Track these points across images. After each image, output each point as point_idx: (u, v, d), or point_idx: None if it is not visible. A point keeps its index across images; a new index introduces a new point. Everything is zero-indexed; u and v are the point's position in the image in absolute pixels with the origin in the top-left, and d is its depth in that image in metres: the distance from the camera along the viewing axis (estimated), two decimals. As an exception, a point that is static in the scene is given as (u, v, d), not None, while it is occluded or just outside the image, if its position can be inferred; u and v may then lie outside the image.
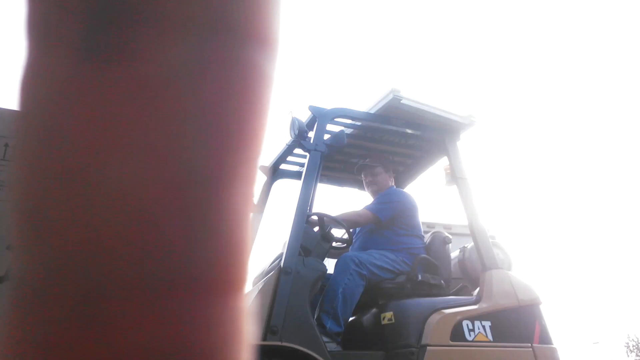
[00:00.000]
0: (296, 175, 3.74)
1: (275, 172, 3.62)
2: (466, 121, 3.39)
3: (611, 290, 33.28)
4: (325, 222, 2.95)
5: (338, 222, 2.98)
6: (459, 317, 2.71)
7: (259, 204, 3.47)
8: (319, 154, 2.90)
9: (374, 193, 3.39)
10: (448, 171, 3.35)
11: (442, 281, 3.00)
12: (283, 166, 3.67)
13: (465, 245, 3.38)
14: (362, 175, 3.42)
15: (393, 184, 3.47)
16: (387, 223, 3.10)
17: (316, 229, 2.89)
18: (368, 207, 3.16)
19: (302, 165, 3.71)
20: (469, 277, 3.24)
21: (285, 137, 3.15)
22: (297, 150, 3.50)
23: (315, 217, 2.95)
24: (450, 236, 3.37)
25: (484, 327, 2.76)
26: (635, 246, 39.29)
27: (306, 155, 3.56)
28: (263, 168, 3.58)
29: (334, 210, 3.63)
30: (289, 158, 3.61)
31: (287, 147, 3.42)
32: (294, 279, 2.46)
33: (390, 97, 3.10)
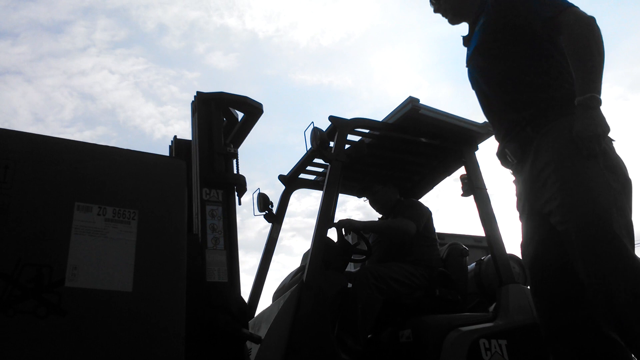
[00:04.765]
0: (314, 184, 3.76)
1: (293, 182, 3.63)
2: (484, 130, 3.38)
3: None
4: (361, 232, 2.96)
5: (379, 232, 2.99)
6: (475, 336, 2.71)
7: (278, 213, 3.49)
8: (340, 164, 2.91)
9: (381, 210, 3.42)
10: (465, 181, 3.35)
11: (459, 296, 3.01)
12: (301, 175, 3.68)
13: (482, 259, 3.39)
14: (364, 199, 3.47)
15: (397, 195, 3.48)
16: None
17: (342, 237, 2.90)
18: (405, 216, 3.16)
19: (319, 174, 3.72)
20: (485, 291, 3.24)
21: (305, 147, 3.16)
22: (314, 160, 3.51)
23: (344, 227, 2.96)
24: (467, 248, 3.39)
25: (500, 346, 2.77)
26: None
27: (323, 165, 3.59)
28: (282, 178, 3.59)
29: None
30: (306, 167, 3.62)
31: (306, 157, 3.43)
32: (315, 295, 2.48)
33: (409, 107, 3.10)
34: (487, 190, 3.29)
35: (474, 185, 3.26)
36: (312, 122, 2.93)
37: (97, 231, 2.12)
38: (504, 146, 2.21)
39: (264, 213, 3.44)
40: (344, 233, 2.90)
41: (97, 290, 2.06)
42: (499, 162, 2.31)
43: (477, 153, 3.44)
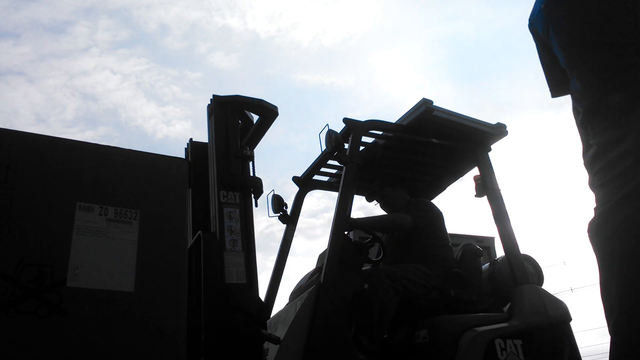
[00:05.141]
0: (327, 185, 3.78)
1: (307, 183, 3.66)
2: (496, 131, 3.39)
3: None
4: (362, 229, 2.98)
5: (375, 226, 3.02)
6: (491, 336, 2.73)
7: (292, 214, 3.51)
8: (355, 166, 2.94)
9: (391, 212, 3.45)
10: (478, 182, 3.36)
11: (473, 297, 3.03)
12: (314, 176, 3.71)
13: (496, 259, 3.40)
14: (375, 203, 3.49)
15: (407, 195, 3.50)
16: (420, 233, 3.13)
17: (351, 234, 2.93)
18: (405, 212, 3.19)
19: (332, 175, 3.75)
20: (499, 291, 3.26)
21: (319, 149, 3.19)
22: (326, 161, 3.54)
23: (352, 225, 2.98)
24: (481, 249, 3.40)
25: (515, 346, 2.79)
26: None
27: (335, 166, 3.62)
28: (296, 179, 3.62)
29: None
30: (320, 169, 3.65)
31: (320, 159, 3.45)
32: (333, 296, 2.50)
33: (423, 108, 3.12)
34: (501, 191, 3.31)
35: (487, 186, 3.27)
36: (327, 125, 2.96)
37: (98, 231, 2.12)
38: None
39: (279, 214, 3.47)
40: (345, 232, 2.92)
41: (99, 291, 2.06)
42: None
43: (490, 154, 3.46)
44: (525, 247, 3.47)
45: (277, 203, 3.45)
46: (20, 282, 1.95)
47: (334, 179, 3.77)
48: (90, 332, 2.01)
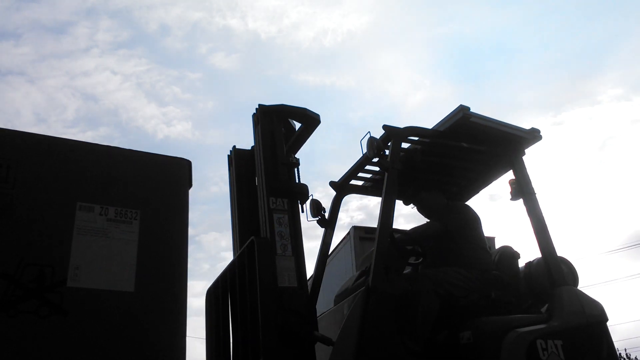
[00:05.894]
0: (362, 189, 3.88)
1: (344, 188, 3.75)
2: (531, 136, 3.46)
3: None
4: (399, 240, 3.08)
5: (410, 239, 3.11)
6: (533, 336, 2.81)
7: (330, 219, 3.61)
8: (396, 172, 3.03)
9: (429, 216, 3.55)
10: (514, 186, 3.43)
11: (512, 298, 3.11)
12: (351, 181, 3.80)
13: (531, 261, 3.47)
14: (412, 206, 3.60)
15: (444, 199, 3.57)
16: (455, 236, 3.21)
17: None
18: (434, 219, 3.29)
19: (367, 179, 3.84)
20: (536, 292, 3.33)
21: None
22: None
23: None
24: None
25: (556, 346, 2.86)
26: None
27: (371, 171, 3.71)
28: (333, 184, 3.72)
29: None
30: (357, 174, 3.74)
31: (359, 164, 3.55)
32: (381, 298, 2.60)
33: (460, 115, 3.20)
34: (536, 195, 3.38)
35: (523, 190, 3.34)
36: (369, 132, 3.05)
37: (99, 231, 2.13)
38: None
39: (317, 218, 3.56)
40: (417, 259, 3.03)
41: (99, 290, 2.07)
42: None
43: (524, 158, 3.53)
44: (525, 246, 3.55)
45: (316, 208, 3.55)
46: (21, 282, 1.96)
47: (369, 183, 3.86)
48: (91, 332, 2.01)
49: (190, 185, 2.45)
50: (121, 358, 2.05)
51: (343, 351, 2.55)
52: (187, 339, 2.29)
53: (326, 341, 2.57)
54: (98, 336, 2.04)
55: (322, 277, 3.50)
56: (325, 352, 2.66)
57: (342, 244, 6.54)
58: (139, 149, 2.39)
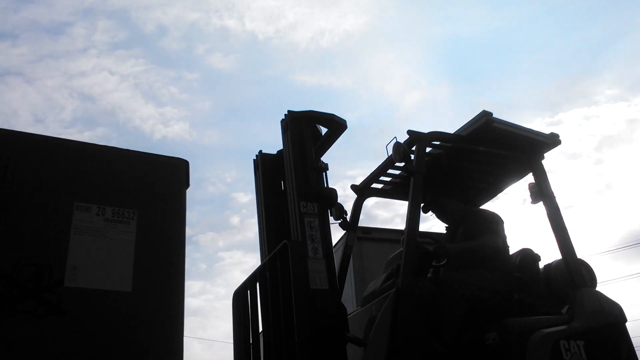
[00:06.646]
0: (383, 192, 3.95)
1: (365, 191, 3.83)
2: (550, 141, 3.54)
3: None
4: (457, 258, 3.12)
5: (468, 255, 3.17)
6: (556, 337, 2.88)
7: (352, 221, 3.68)
8: (422, 176, 3.10)
9: (448, 222, 3.61)
10: (533, 190, 3.51)
11: (534, 300, 3.18)
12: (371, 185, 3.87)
13: (550, 263, 3.54)
14: (430, 214, 3.65)
15: (462, 204, 3.64)
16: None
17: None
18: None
19: (387, 183, 3.91)
20: (555, 295, 3.40)
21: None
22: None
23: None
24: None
25: (578, 346, 2.94)
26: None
27: (392, 175, 3.78)
28: (354, 187, 3.79)
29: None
30: (379, 177, 3.81)
31: (381, 168, 3.62)
32: (411, 299, 2.68)
33: (483, 120, 3.27)
34: (556, 198, 3.45)
35: (543, 193, 3.41)
36: (395, 137, 3.12)
37: (96, 231, 2.12)
38: None
39: (340, 221, 3.63)
40: (439, 261, 3.07)
41: (97, 290, 2.05)
42: None
43: (543, 162, 3.60)
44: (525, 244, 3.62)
45: (338, 211, 3.62)
46: (19, 282, 1.95)
47: (389, 187, 3.93)
48: (89, 332, 2.00)
49: (187, 185, 2.47)
50: (119, 358, 2.06)
51: (375, 351, 2.62)
52: (185, 339, 2.31)
53: (358, 342, 2.64)
54: (96, 336, 2.04)
55: (344, 279, 3.57)
56: (355, 351, 2.73)
57: (339, 243, 6.56)
58: (136, 150, 2.39)
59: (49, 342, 1.96)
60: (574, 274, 3.23)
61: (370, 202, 4.23)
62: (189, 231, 2.46)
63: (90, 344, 2.02)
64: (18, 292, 1.97)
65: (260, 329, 2.97)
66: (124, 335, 2.09)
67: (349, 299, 3.27)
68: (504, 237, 3.40)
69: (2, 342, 1.89)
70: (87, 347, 2.01)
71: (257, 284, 3.03)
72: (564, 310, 3.20)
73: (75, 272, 2.07)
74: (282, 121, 3.19)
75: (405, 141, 3.24)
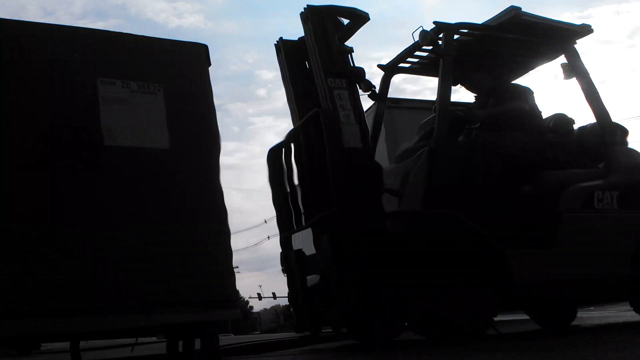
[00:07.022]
0: (411, 70, 3.92)
1: (391, 69, 3.81)
2: (582, 29, 3.44)
3: None
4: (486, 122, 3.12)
5: (497, 121, 3.18)
6: (591, 188, 2.97)
7: (381, 93, 3.71)
8: (450, 58, 3.06)
9: (480, 94, 3.59)
10: (566, 67, 3.43)
11: (569, 157, 3.21)
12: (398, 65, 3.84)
13: (584, 125, 3.53)
14: (465, 88, 3.66)
15: (491, 79, 3.59)
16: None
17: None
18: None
19: (415, 64, 3.87)
20: (588, 153, 3.39)
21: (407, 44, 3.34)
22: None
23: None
24: None
25: (612, 197, 3.03)
26: None
27: (418, 57, 3.74)
28: (381, 66, 3.78)
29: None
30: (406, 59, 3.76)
31: (408, 51, 3.57)
32: (444, 155, 2.77)
33: (512, 14, 3.17)
34: (589, 75, 3.41)
35: (576, 70, 3.36)
36: (421, 26, 3.10)
37: (124, 100, 2.26)
38: None
39: (369, 92, 3.65)
40: (470, 126, 3.10)
41: (135, 148, 2.22)
42: None
43: (575, 46, 3.49)
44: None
45: (366, 85, 3.64)
46: (59, 142, 2.10)
47: (416, 65, 3.89)
48: (127, 186, 2.17)
49: (209, 64, 2.57)
50: (161, 208, 2.22)
51: (411, 202, 2.72)
52: (224, 190, 2.48)
53: (394, 193, 2.74)
54: (134, 189, 2.19)
55: (376, 144, 3.63)
56: (391, 203, 2.87)
57: (369, 110, 6.57)
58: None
59: (86, 193, 2.12)
60: (607, 132, 3.24)
61: (397, 77, 4.24)
62: (216, 101, 2.59)
63: (128, 197, 2.19)
64: (58, 150, 2.12)
65: (296, 182, 3.14)
66: (160, 187, 2.25)
67: (381, 159, 3.35)
68: (534, 105, 3.38)
69: (42, 192, 2.06)
70: (123, 202, 2.18)
71: (292, 144, 3.14)
72: (600, 166, 3.24)
73: (111, 133, 2.21)
74: (302, 14, 3.17)
75: (432, 29, 3.20)
